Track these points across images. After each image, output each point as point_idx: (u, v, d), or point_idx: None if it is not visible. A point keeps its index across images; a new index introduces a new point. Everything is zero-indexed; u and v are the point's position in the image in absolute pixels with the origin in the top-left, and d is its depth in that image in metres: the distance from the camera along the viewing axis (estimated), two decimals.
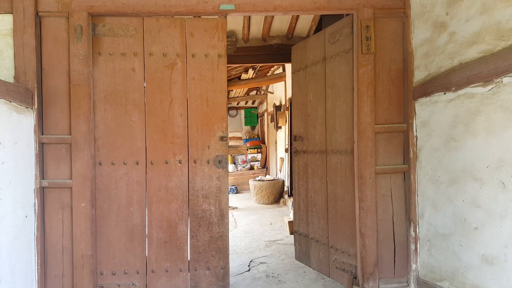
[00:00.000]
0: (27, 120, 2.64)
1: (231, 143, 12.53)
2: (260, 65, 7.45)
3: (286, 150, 7.40)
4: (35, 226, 2.70)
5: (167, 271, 2.92)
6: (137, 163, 2.89)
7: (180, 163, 2.93)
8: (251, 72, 7.81)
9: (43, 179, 2.77)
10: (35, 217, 2.70)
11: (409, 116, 2.87)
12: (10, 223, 2.39)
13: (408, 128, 2.89)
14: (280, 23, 4.78)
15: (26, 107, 2.63)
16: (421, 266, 2.80)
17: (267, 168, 10.98)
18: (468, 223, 2.27)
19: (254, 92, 11.51)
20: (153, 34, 2.90)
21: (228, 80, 8.00)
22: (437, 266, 2.60)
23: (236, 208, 7.66)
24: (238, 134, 13.52)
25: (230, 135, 12.28)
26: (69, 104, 2.78)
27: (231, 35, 4.92)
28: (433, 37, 2.62)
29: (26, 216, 2.60)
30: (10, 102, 2.41)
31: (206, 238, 2.96)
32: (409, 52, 2.88)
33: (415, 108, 2.84)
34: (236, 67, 7.33)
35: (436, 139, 2.59)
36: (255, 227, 5.94)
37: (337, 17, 3.59)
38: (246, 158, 11.90)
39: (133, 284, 2.89)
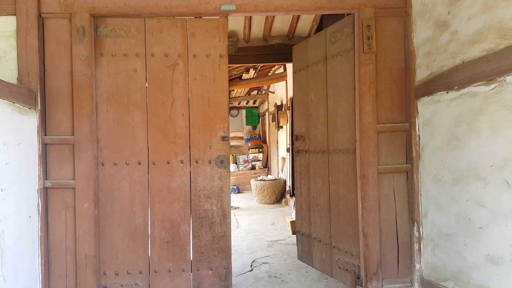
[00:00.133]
0: (30, 121, 2.65)
1: (232, 143, 12.51)
2: (261, 65, 7.45)
3: (288, 150, 7.40)
4: (39, 227, 2.71)
5: (170, 271, 2.92)
6: (140, 164, 2.90)
7: (182, 163, 2.94)
8: (252, 72, 7.81)
9: (46, 179, 2.78)
10: (38, 217, 2.71)
11: (411, 115, 2.87)
12: (14, 224, 2.40)
13: (410, 128, 2.88)
14: (281, 23, 4.78)
15: (29, 108, 2.64)
16: (425, 266, 2.79)
17: (268, 168, 10.99)
18: (473, 222, 2.27)
19: (255, 92, 11.51)
20: (155, 35, 2.91)
21: (229, 80, 7.99)
22: (441, 266, 2.59)
23: (238, 208, 7.67)
24: (240, 134, 13.51)
25: (231, 135, 12.28)
26: (72, 105, 2.79)
27: (232, 35, 4.92)
28: (435, 36, 2.62)
29: (30, 217, 2.61)
30: (14, 103, 2.42)
31: (209, 238, 2.96)
32: (411, 51, 2.87)
33: (417, 107, 2.83)
34: (237, 67, 7.32)
35: (439, 138, 2.59)
36: (257, 227, 5.94)
37: (338, 17, 3.58)
38: (247, 158, 11.90)
39: (136, 284, 2.89)
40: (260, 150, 11.78)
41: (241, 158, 11.94)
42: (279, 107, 8.68)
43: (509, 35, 1.98)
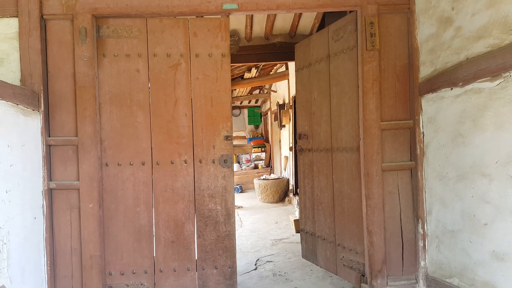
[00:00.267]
0: (34, 122, 2.65)
1: (235, 142, 12.53)
2: (263, 64, 7.44)
3: (291, 149, 7.40)
4: (44, 228, 2.72)
5: (175, 271, 2.92)
6: (143, 164, 2.90)
7: (185, 163, 2.94)
8: (254, 71, 7.80)
9: (50, 180, 2.79)
10: (43, 218, 2.72)
11: (415, 113, 2.85)
12: (19, 225, 2.41)
13: (414, 125, 2.87)
14: (283, 21, 4.77)
15: (33, 110, 2.64)
16: (430, 263, 2.79)
17: (271, 167, 10.99)
18: (478, 219, 2.26)
19: (257, 91, 11.50)
20: (157, 35, 2.90)
21: (231, 80, 8.00)
22: (446, 262, 2.59)
23: (241, 207, 7.67)
24: (242, 133, 13.53)
25: (234, 134, 12.28)
26: (75, 106, 2.79)
27: (233, 34, 4.91)
28: (438, 32, 2.60)
29: (35, 218, 2.62)
30: (17, 105, 2.42)
31: (213, 237, 2.96)
32: (415, 48, 2.86)
33: (421, 104, 2.82)
34: (239, 66, 7.32)
35: (443, 135, 2.58)
36: (261, 226, 5.94)
37: (340, 14, 3.59)
38: (250, 157, 11.91)
39: (141, 284, 2.90)
40: (263, 149, 11.78)
41: (244, 157, 11.95)
42: (281, 106, 8.67)
43: None
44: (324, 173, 3.41)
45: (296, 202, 5.92)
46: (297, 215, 5.59)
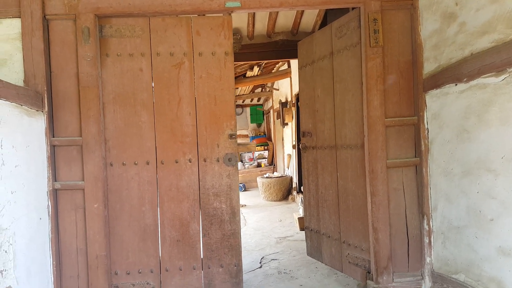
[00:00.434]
0: (38, 123, 2.66)
1: (238, 141, 12.52)
2: (265, 62, 7.43)
3: (294, 147, 7.39)
4: (49, 228, 2.72)
5: (181, 270, 2.93)
6: (148, 163, 2.90)
7: (190, 162, 2.93)
8: (256, 69, 7.79)
9: (55, 181, 2.79)
10: (48, 219, 2.72)
11: (419, 109, 2.84)
12: (25, 226, 2.41)
13: (419, 121, 2.86)
14: (285, 19, 4.76)
15: (37, 110, 2.64)
16: (436, 259, 2.78)
17: (274, 165, 10.98)
18: (483, 215, 2.25)
19: (259, 90, 11.49)
20: (160, 34, 2.90)
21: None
22: (452, 258, 2.58)
23: (245, 205, 7.68)
24: (244, 132, 13.52)
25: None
26: (79, 106, 2.79)
27: (236, 32, 4.91)
28: (442, 28, 2.59)
29: (40, 218, 2.62)
30: (21, 105, 2.43)
31: (218, 236, 2.96)
32: (418, 44, 2.85)
33: (425, 100, 2.81)
34: (241, 65, 7.32)
35: (448, 131, 2.57)
36: (265, 224, 5.94)
37: (343, 11, 3.56)
38: (253, 155, 11.89)
39: (147, 283, 2.90)
40: (266, 147, 11.77)
41: (247, 156, 11.94)
42: (284, 104, 8.66)
43: None
44: (329, 171, 3.40)
45: (300, 200, 5.92)
46: (301, 213, 5.60)
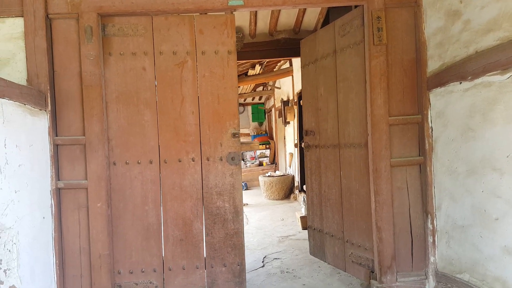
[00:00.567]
0: (41, 122, 2.65)
1: (241, 139, 12.50)
2: (267, 60, 7.42)
3: (296, 145, 7.38)
4: (52, 227, 2.72)
5: (184, 269, 2.92)
6: (151, 162, 2.90)
7: (193, 161, 2.93)
8: (258, 67, 7.78)
9: (58, 180, 2.79)
10: (52, 218, 2.72)
11: (423, 107, 2.83)
12: (28, 225, 2.41)
13: (422, 119, 2.85)
14: (287, 17, 4.75)
15: (40, 109, 2.64)
16: (440, 259, 2.77)
17: (276, 164, 10.97)
18: (488, 214, 2.24)
19: (260, 88, 11.48)
20: (163, 33, 2.89)
21: None
22: (456, 258, 2.57)
23: (247, 204, 7.67)
24: (246, 131, 13.51)
25: None
26: (82, 105, 2.79)
27: (238, 31, 4.90)
28: (446, 26, 2.58)
29: (44, 218, 2.62)
30: (24, 104, 2.42)
31: (222, 235, 2.96)
32: (422, 42, 2.83)
33: (429, 98, 2.80)
34: (243, 63, 7.30)
35: (452, 129, 2.56)
36: (267, 223, 5.94)
37: (345, 10, 3.56)
38: (254, 154, 11.89)
39: (150, 282, 2.90)
40: (267, 146, 11.77)
41: (248, 154, 11.93)
42: (285, 103, 8.64)
43: None
44: (332, 170, 3.39)
45: (302, 199, 5.91)
46: (303, 212, 5.59)
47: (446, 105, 2.61)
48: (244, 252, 2.99)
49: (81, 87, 2.79)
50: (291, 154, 8.58)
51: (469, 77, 2.33)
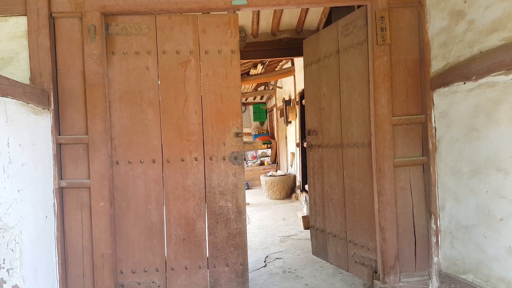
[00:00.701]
0: (44, 121, 2.65)
1: (243, 139, 12.49)
2: (269, 60, 7.42)
3: (298, 145, 7.37)
4: (55, 227, 2.72)
5: (187, 268, 2.92)
6: (154, 162, 2.89)
7: (196, 160, 2.93)
8: (260, 67, 7.78)
9: (61, 179, 2.78)
10: (54, 217, 2.72)
11: (427, 107, 2.83)
12: (31, 224, 2.40)
13: (426, 120, 2.84)
14: (290, 17, 4.74)
15: (43, 108, 2.64)
16: (443, 259, 2.76)
17: (277, 163, 10.96)
18: (493, 214, 2.23)
19: (262, 88, 11.47)
20: (166, 32, 2.89)
21: None
22: (460, 258, 2.56)
23: (248, 204, 7.66)
24: (247, 130, 13.51)
25: None
26: (85, 104, 2.78)
27: (240, 30, 4.89)
28: (450, 26, 2.57)
29: (46, 217, 2.62)
30: (28, 103, 2.42)
31: (224, 235, 2.95)
32: (426, 42, 2.83)
33: (433, 98, 2.79)
34: (245, 63, 7.31)
35: (456, 129, 2.55)
36: (268, 222, 5.94)
37: (348, 10, 3.56)
38: (256, 154, 11.89)
39: (153, 282, 2.90)
40: (269, 145, 11.76)
41: (250, 154, 11.93)
42: (287, 102, 8.63)
43: None
44: (335, 169, 3.39)
45: (304, 199, 5.91)
46: (305, 211, 5.58)
47: (450, 105, 2.60)
48: (246, 252, 2.99)
49: (84, 86, 2.78)
50: (293, 154, 8.58)
51: (473, 77, 2.32)
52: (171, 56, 2.89)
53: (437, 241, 2.81)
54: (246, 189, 9.83)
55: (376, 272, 2.97)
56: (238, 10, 2.92)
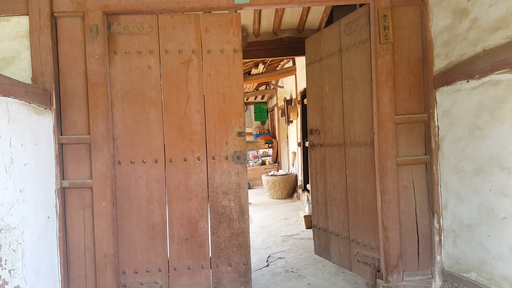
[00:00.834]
0: (46, 121, 2.65)
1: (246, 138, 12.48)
2: (270, 59, 7.41)
3: (299, 144, 7.37)
4: (57, 227, 2.71)
5: (189, 268, 2.91)
6: (156, 161, 2.88)
7: (198, 160, 2.92)
8: (261, 66, 7.77)
9: (63, 179, 2.78)
10: (56, 217, 2.71)
11: (430, 106, 2.82)
12: (33, 224, 2.40)
13: (429, 118, 2.83)
14: (291, 16, 4.73)
15: (45, 108, 2.63)
16: (446, 258, 2.76)
17: (278, 163, 10.97)
18: (496, 213, 2.22)
19: (263, 87, 11.47)
20: (168, 31, 2.88)
21: None
22: (463, 257, 2.56)
23: (250, 203, 7.63)
24: (249, 130, 13.52)
25: None
26: (87, 104, 2.78)
27: (242, 30, 4.83)
28: (453, 25, 2.56)
29: (48, 217, 2.61)
30: (30, 103, 2.42)
31: (227, 235, 2.95)
32: (428, 41, 2.82)
33: (436, 97, 2.78)
34: (246, 62, 7.29)
35: (459, 128, 2.54)
36: (270, 222, 5.93)
37: (349, 9, 3.55)
38: (257, 153, 11.89)
39: (155, 282, 2.89)
40: (270, 145, 11.76)
41: (251, 153, 11.93)
42: (288, 102, 8.63)
43: None
44: (337, 168, 3.38)
45: (306, 198, 5.90)
46: (306, 211, 5.58)
47: (453, 104, 2.59)
48: (249, 251, 2.98)
49: (86, 85, 2.78)
50: (294, 153, 8.57)
51: (477, 76, 2.31)
52: (173, 56, 2.89)
53: (440, 240, 2.80)
54: (248, 188, 9.82)
55: (379, 271, 2.96)
56: (241, 9, 2.91)
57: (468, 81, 2.42)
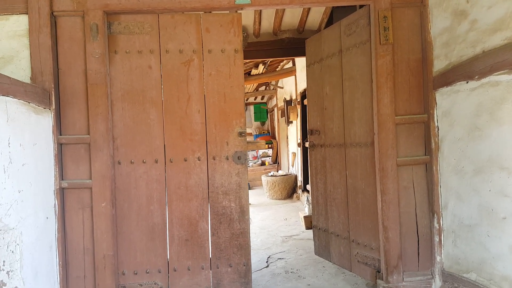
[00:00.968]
0: (45, 120, 2.64)
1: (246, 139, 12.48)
2: (270, 60, 7.41)
3: (299, 145, 7.37)
4: (56, 228, 2.70)
5: (189, 269, 2.91)
6: (156, 161, 2.88)
7: (199, 160, 2.91)
8: (261, 67, 7.77)
9: (62, 179, 2.77)
10: (55, 218, 2.70)
11: (429, 107, 2.82)
12: (32, 225, 2.38)
13: (429, 119, 2.84)
14: (291, 17, 4.73)
15: (44, 108, 2.62)
16: (446, 258, 2.76)
17: (278, 164, 10.97)
18: (496, 213, 2.22)
19: (263, 88, 11.47)
20: (169, 31, 2.88)
21: None
22: (463, 257, 2.56)
23: (250, 204, 7.63)
24: (248, 130, 13.52)
25: None
26: (87, 104, 2.77)
27: (242, 30, 4.87)
28: (453, 26, 2.57)
29: (47, 218, 2.60)
30: (29, 103, 2.40)
31: (227, 235, 2.94)
32: (428, 42, 2.82)
33: (435, 98, 2.79)
34: (246, 63, 7.29)
35: (458, 129, 2.54)
36: (270, 222, 5.93)
37: (349, 10, 3.56)
38: (257, 154, 11.88)
39: (155, 283, 2.88)
40: (270, 146, 11.76)
41: (251, 154, 11.93)
42: (288, 102, 8.62)
43: None
44: (337, 169, 3.38)
45: (305, 199, 5.90)
46: (306, 211, 5.58)
47: (453, 105, 2.59)
48: (250, 252, 2.98)
49: (86, 85, 2.77)
50: (294, 154, 8.57)
51: (476, 77, 2.32)
52: (174, 55, 2.89)
53: (440, 240, 2.80)
54: (248, 189, 9.82)
55: (379, 272, 2.96)
56: (242, 9, 2.91)
57: (467, 82, 2.42)
